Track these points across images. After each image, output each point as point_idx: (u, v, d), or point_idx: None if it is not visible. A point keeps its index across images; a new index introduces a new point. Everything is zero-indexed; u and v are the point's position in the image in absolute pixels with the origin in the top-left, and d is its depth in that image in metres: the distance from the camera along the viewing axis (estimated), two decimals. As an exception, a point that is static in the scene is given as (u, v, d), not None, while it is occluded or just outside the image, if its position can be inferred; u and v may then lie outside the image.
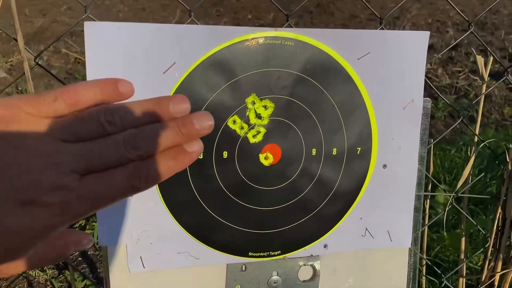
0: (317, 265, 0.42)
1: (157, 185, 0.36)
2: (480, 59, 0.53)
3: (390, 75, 0.40)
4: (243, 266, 0.40)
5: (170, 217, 0.37)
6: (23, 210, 0.21)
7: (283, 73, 0.37)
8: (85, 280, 0.90)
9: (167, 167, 0.23)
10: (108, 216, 0.36)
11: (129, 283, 0.38)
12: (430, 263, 0.59)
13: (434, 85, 1.97)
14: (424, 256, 0.62)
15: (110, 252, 0.37)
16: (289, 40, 0.37)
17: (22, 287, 0.95)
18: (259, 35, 0.36)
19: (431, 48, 2.27)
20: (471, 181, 0.59)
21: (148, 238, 0.37)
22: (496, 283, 0.59)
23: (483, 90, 0.57)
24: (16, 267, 0.23)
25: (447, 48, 0.59)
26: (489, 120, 1.73)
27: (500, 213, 0.57)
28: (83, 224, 1.06)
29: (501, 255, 0.57)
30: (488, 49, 0.56)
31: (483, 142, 0.57)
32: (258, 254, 0.40)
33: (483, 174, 0.74)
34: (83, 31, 0.32)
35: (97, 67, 0.33)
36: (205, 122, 0.24)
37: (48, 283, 0.95)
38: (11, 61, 2.27)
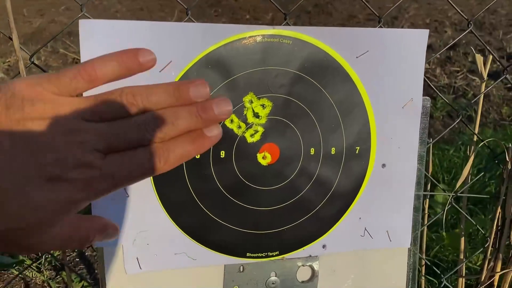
0: (315, 265, 0.42)
1: (153, 185, 0.36)
2: (479, 58, 0.53)
3: (389, 73, 0.40)
4: (241, 267, 0.40)
5: (167, 217, 0.37)
6: (48, 186, 0.21)
7: (281, 71, 0.37)
8: (82, 282, 0.90)
9: (187, 150, 0.24)
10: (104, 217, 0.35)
11: (125, 284, 0.37)
12: (429, 263, 0.59)
13: (433, 85, 1.97)
14: (423, 256, 0.62)
15: (106, 253, 0.37)
16: (287, 39, 0.37)
17: (19, 289, 0.94)
18: (257, 33, 0.36)
19: (429, 48, 2.27)
20: (470, 181, 0.58)
21: (145, 239, 0.37)
22: (495, 283, 0.59)
23: (482, 89, 0.56)
24: (43, 244, 0.23)
25: (446, 47, 0.58)
26: (487, 120, 1.73)
27: (499, 212, 0.57)
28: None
29: (500, 255, 0.57)
30: (487, 48, 0.56)
31: (482, 141, 0.56)
32: (256, 254, 0.40)
33: (482, 173, 0.74)
34: (79, 30, 0.32)
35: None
36: (224, 108, 0.24)
37: (45, 284, 0.94)
38: (8, 61, 2.26)
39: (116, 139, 0.23)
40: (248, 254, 0.40)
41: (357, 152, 0.40)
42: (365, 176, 0.41)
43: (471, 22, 0.52)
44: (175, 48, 0.34)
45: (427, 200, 0.61)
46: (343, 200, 0.41)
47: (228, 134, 0.36)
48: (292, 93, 0.37)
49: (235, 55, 0.35)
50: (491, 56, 0.54)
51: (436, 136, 0.58)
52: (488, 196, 0.92)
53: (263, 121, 0.37)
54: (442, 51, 0.60)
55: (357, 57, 0.39)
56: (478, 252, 0.68)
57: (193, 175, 0.36)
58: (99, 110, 0.23)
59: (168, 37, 0.33)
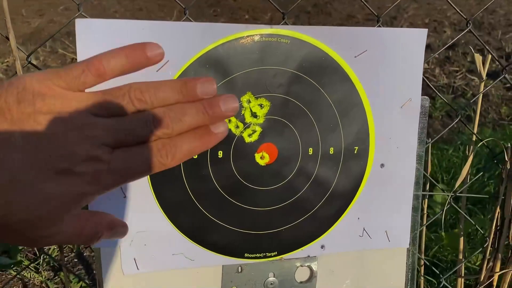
0: (314, 266, 0.42)
1: (151, 185, 0.36)
2: (478, 57, 0.53)
3: (387, 73, 0.40)
4: (239, 268, 0.40)
5: (165, 218, 0.37)
6: (58, 178, 0.22)
7: (279, 71, 0.37)
8: (81, 282, 0.89)
9: (193, 146, 0.24)
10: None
11: (123, 285, 0.37)
12: (428, 263, 0.59)
13: (432, 84, 1.97)
14: (422, 256, 0.62)
15: (103, 254, 0.36)
16: (285, 38, 0.36)
17: (17, 289, 0.94)
18: (254, 32, 0.35)
19: (428, 47, 2.27)
20: (469, 181, 0.58)
21: (142, 240, 0.36)
22: (494, 283, 0.59)
23: (481, 89, 0.56)
24: (51, 237, 0.23)
25: (445, 46, 0.58)
26: (486, 120, 1.73)
27: (498, 212, 0.56)
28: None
29: (499, 255, 0.57)
30: (486, 47, 0.55)
31: (481, 141, 0.56)
32: (254, 255, 0.39)
33: (481, 173, 0.74)
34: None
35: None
36: (230, 104, 0.25)
37: (44, 285, 0.94)
38: (7, 61, 2.26)
39: (124, 134, 0.23)
40: (246, 255, 0.39)
41: (355, 152, 0.40)
42: (363, 176, 0.41)
43: (469, 22, 0.52)
44: (172, 47, 0.33)
45: (426, 200, 0.60)
46: (341, 200, 0.41)
47: (225, 134, 0.36)
48: (290, 93, 0.37)
49: (232, 55, 0.35)
50: (490, 56, 0.54)
51: (435, 136, 0.58)
52: (487, 196, 0.92)
53: (261, 121, 0.37)
54: (441, 51, 0.60)
55: (355, 57, 0.38)
56: (477, 252, 0.68)
57: (191, 175, 0.36)
58: (107, 106, 0.23)
59: (165, 37, 0.33)
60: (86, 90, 0.24)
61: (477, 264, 0.91)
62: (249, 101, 0.36)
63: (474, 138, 0.57)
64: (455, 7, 0.53)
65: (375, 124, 0.40)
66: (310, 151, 0.39)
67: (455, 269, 0.62)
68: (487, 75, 0.57)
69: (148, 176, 0.35)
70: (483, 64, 0.54)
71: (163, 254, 0.37)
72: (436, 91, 0.54)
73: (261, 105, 0.37)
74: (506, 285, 0.59)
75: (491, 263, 0.58)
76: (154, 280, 0.38)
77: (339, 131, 0.39)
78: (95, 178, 0.23)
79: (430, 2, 3.23)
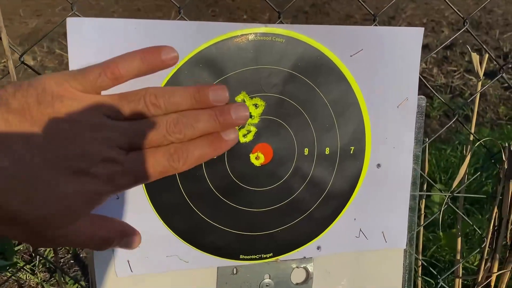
0: (310, 267, 0.41)
1: (144, 187, 0.35)
2: (475, 57, 0.52)
3: (383, 72, 0.39)
4: (234, 269, 0.39)
5: (158, 219, 0.36)
6: (75, 178, 0.22)
7: (273, 70, 0.36)
8: (76, 284, 0.89)
9: (205, 152, 0.25)
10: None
11: (116, 287, 0.37)
12: (426, 264, 0.59)
13: (430, 84, 1.97)
14: (420, 257, 0.62)
15: (96, 255, 0.36)
16: (280, 37, 0.36)
17: (13, 291, 0.93)
18: (249, 31, 0.35)
19: (426, 47, 2.27)
20: (467, 180, 0.58)
21: (136, 241, 0.36)
22: (492, 284, 0.59)
23: (478, 88, 0.56)
24: (66, 237, 0.24)
25: (442, 45, 0.58)
26: (484, 119, 1.73)
27: (496, 212, 0.56)
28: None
29: (497, 255, 0.57)
30: (484, 46, 0.55)
31: (479, 140, 0.56)
32: (250, 256, 0.39)
33: (479, 173, 0.73)
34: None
35: (80, 65, 0.31)
36: (241, 113, 0.26)
37: (39, 286, 0.94)
38: (4, 61, 2.25)
39: (138, 138, 0.24)
40: (241, 256, 0.39)
41: (351, 152, 0.40)
42: (360, 176, 0.40)
43: (466, 21, 0.52)
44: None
45: (423, 200, 0.60)
46: (337, 201, 0.40)
47: (220, 134, 0.36)
48: (285, 93, 0.37)
49: (226, 54, 0.35)
50: (487, 55, 0.54)
51: (433, 136, 0.57)
52: (485, 196, 0.91)
53: (255, 121, 0.37)
54: (438, 50, 0.59)
55: (351, 56, 0.38)
56: (475, 252, 0.67)
57: (185, 176, 0.36)
58: (123, 109, 0.24)
59: (158, 36, 0.33)
60: (102, 93, 0.25)
61: (475, 264, 0.91)
62: (243, 101, 0.36)
63: (471, 137, 0.57)
64: (452, 6, 0.53)
65: (371, 124, 0.40)
66: (306, 151, 0.38)
67: (452, 269, 0.62)
68: (485, 74, 0.57)
69: None
70: (480, 63, 0.54)
71: (157, 256, 0.37)
72: (434, 91, 0.54)
73: (256, 105, 0.36)
74: (504, 286, 0.59)
75: (489, 264, 0.58)
76: (148, 282, 0.37)
77: (335, 131, 0.39)
78: (110, 179, 0.23)
79: (428, 2, 3.23)
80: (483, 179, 1.20)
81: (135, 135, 0.24)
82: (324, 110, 0.38)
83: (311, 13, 3.05)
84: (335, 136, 0.39)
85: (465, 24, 0.52)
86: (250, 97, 0.36)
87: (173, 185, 0.36)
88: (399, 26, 2.70)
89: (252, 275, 0.40)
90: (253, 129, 0.37)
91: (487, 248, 0.57)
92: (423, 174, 0.51)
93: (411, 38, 0.39)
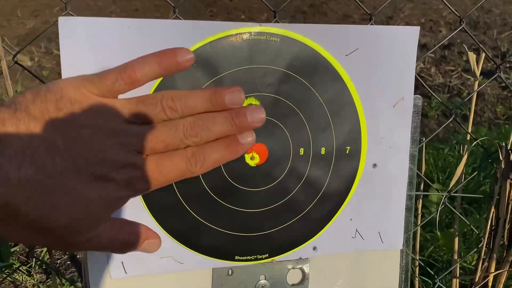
0: (306, 268, 0.41)
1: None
2: (472, 56, 0.52)
3: (379, 71, 0.39)
4: (230, 270, 0.39)
5: (153, 221, 0.36)
6: (96, 184, 0.23)
7: (268, 70, 0.36)
8: (72, 286, 0.88)
9: (222, 155, 0.25)
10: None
11: (111, 289, 0.36)
12: (423, 264, 0.58)
13: (427, 84, 1.97)
14: (417, 257, 0.61)
15: (90, 257, 0.36)
16: (275, 36, 0.36)
17: (9, 292, 0.93)
18: (243, 30, 0.35)
19: (424, 47, 2.27)
20: (464, 180, 0.58)
21: (130, 243, 0.36)
22: (490, 284, 0.58)
23: (475, 87, 0.56)
24: (89, 241, 0.24)
25: (439, 44, 0.58)
26: (482, 119, 1.74)
27: (493, 212, 0.56)
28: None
29: (494, 255, 0.57)
30: (480, 45, 0.55)
31: (476, 140, 0.56)
32: (245, 257, 0.39)
33: (476, 173, 0.73)
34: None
35: (72, 64, 0.31)
36: (257, 115, 0.25)
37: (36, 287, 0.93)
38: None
39: (156, 141, 0.24)
40: (236, 257, 0.39)
41: (347, 152, 0.39)
42: (355, 176, 0.40)
43: (463, 20, 0.52)
44: (159, 46, 0.32)
45: (420, 200, 0.60)
46: (333, 201, 0.40)
47: (214, 134, 0.35)
48: (280, 92, 0.37)
49: (221, 53, 0.34)
50: (483, 54, 0.54)
51: (430, 136, 0.57)
52: (482, 196, 0.91)
53: (250, 120, 0.36)
54: (435, 48, 0.59)
55: (346, 55, 0.38)
56: (473, 252, 0.67)
57: (179, 176, 0.35)
58: (141, 113, 0.24)
59: (151, 35, 0.32)
60: (119, 96, 0.25)
61: (473, 264, 0.91)
62: (238, 101, 0.36)
63: (468, 137, 0.57)
64: (449, 6, 0.53)
65: (367, 124, 0.40)
66: (301, 151, 0.38)
67: (450, 269, 0.62)
68: (483, 74, 0.57)
69: None
70: (477, 62, 0.54)
71: (151, 257, 0.36)
72: (431, 91, 0.53)
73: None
74: (502, 286, 0.58)
75: (486, 263, 0.57)
76: (142, 283, 0.37)
77: (330, 131, 0.39)
78: (130, 183, 0.24)
79: (426, 2, 3.24)
80: (481, 179, 1.20)
81: (153, 140, 0.24)
82: (320, 109, 0.38)
83: (309, 13, 3.05)
84: (331, 136, 0.39)
85: (462, 23, 0.52)
86: (244, 97, 0.36)
87: (167, 186, 0.35)
88: (397, 25, 2.70)
89: (247, 276, 0.40)
90: (248, 129, 0.36)
91: (484, 248, 0.57)
92: (420, 174, 0.51)
93: (407, 37, 0.39)
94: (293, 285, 0.41)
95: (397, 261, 0.44)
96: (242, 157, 0.37)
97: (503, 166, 0.54)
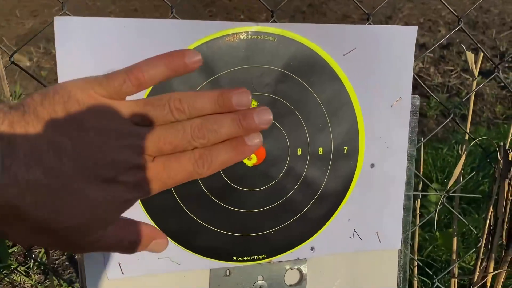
0: (304, 268, 0.41)
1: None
2: (470, 55, 0.52)
3: (377, 71, 0.39)
4: (227, 271, 0.39)
5: (150, 221, 0.36)
6: (104, 186, 0.23)
7: (265, 69, 0.36)
8: (70, 286, 0.88)
9: (229, 157, 0.25)
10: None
11: (108, 290, 0.36)
12: (421, 264, 0.58)
13: (426, 84, 1.97)
14: (416, 257, 0.61)
15: (87, 258, 0.36)
16: (272, 36, 0.36)
17: (7, 293, 0.93)
18: (240, 30, 0.35)
19: (423, 47, 2.27)
20: (463, 180, 0.58)
21: (126, 243, 0.35)
22: (488, 284, 0.58)
23: (474, 87, 0.56)
24: (96, 243, 0.24)
25: (437, 43, 0.58)
26: (481, 119, 1.74)
27: (492, 212, 0.56)
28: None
29: (493, 255, 0.56)
30: (478, 45, 0.55)
31: (474, 140, 0.56)
32: (243, 258, 0.39)
33: (475, 172, 0.73)
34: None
35: (68, 64, 0.31)
36: (264, 117, 0.25)
37: (34, 288, 0.93)
38: (-1, 62, 2.24)
39: (164, 143, 0.24)
40: (234, 258, 0.38)
41: (345, 152, 0.39)
42: (353, 176, 0.40)
43: (461, 19, 0.52)
44: (155, 45, 0.32)
45: (419, 200, 0.60)
46: (331, 201, 0.40)
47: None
48: (278, 92, 0.36)
49: (218, 53, 0.34)
50: (482, 54, 0.54)
51: (429, 135, 0.57)
52: (480, 196, 0.91)
53: (247, 120, 0.36)
54: (434, 49, 0.59)
55: (344, 55, 0.38)
56: (471, 252, 0.67)
57: (176, 177, 0.35)
58: (148, 115, 0.24)
59: (147, 35, 0.32)
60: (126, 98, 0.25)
61: (472, 263, 0.91)
62: (235, 101, 0.35)
63: (467, 137, 0.57)
64: (447, 6, 0.53)
65: (365, 124, 0.39)
66: (299, 151, 0.38)
67: (448, 269, 0.61)
68: (482, 74, 0.56)
69: None
70: (475, 62, 0.54)
71: (148, 258, 0.36)
72: (430, 91, 0.53)
73: None
74: (500, 286, 0.58)
75: (484, 263, 0.57)
76: (139, 284, 0.37)
77: (328, 131, 0.38)
78: (138, 185, 0.24)
79: (425, 2, 3.24)
80: (480, 179, 1.20)
81: (160, 141, 0.24)
82: (317, 109, 0.38)
83: (308, 13, 3.05)
84: (329, 136, 0.39)
85: (460, 22, 0.52)
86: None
87: (164, 186, 0.35)
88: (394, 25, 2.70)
89: (245, 277, 0.39)
90: (245, 129, 0.36)
91: (483, 248, 0.57)
92: (418, 173, 0.51)
93: (404, 36, 0.39)
94: (291, 285, 0.41)
95: (395, 261, 0.44)
96: (239, 157, 0.37)
97: (501, 165, 0.54)
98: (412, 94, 0.41)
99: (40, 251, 1.00)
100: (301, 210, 0.39)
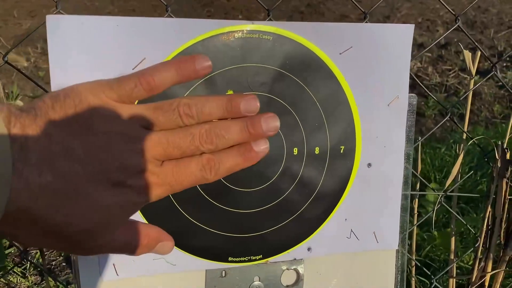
0: (300, 269, 0.41)
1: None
2: (467, 54, 0.52)
3: (373, 70, 0.39)
4: (223, 272, 0.39)
5: (144, 222, 0.35)
6: (113, 190, 0.23)
7: (261, 68, 0.35)
8: (68, 287, 0.88)
9: (235, 162, 0.26)
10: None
11: (102, 292, 0.36)
12: (419, 264, 0.58)
13: (424, 83, 1.97)
14: (414, 257, 0.61)
15: (81, 259, 0.35)
16: (268, 34, 0.35)
17: (4, 295, 0.92)
18: (235, 28, 0.34)
19: (421, 46, 2.27)
20: (461, 179, 0.57)
21: (121, 244, 0.35)
22: (486, 283, 0.58)
23: (471, 86, 0.56)
24: (105, 246, 0.25)
25: (434, 42, 0.57)
26: (479, 118, 1.74)
27: (490, 211, 0.56)
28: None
29: (491, 255, 0.56)
30: (476, 43, 0.55)
31: (472, 139, 0.56)
32: (239, 259, 0.38)
33: (473, 172, 0.73)
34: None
35: (61, 64, 0.31)
36: (271, 124, 0.26)
37: (31, 290, 0.92)
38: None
39: (172, 148, 0.24)
40: (230, 259, 0.38)
41: (341, 151, 0.39)
42: (350, 176, 0.40)
43: (458, 18, 0.51)
44: (149, 44, 0.32)
45: (416, 199, 0.60)
46: (328, 201, 0.40)
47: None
48: (274, 91, 0.36)
49: (213, 52, 0.34)
50: (479, 53, 0.54)
51: (427, 135, 0.57)
52: (478, 195, 0.91)
53: (243, 120, 0.36)
54: (431, 48, 0.59)
55: (340, 53, 0.37)
56: (469, 251, 0.67)
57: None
58: (158, 120, 0.24)
59: (141, 33, 0.32)
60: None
61: (470, 263, 0.91)
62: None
63: (465, 136, 0.56)
64: (445, 4, 0.53)
65: (362, 123, 0.39)
66: (295, 151, 0.38)
67: (446, 269, 0.61)
68: (480, 73, 0.56)
69: None
70: (473, 61, 0.53)
71: (143, 259, 0.36)
72: (428, 90, 0.53)
73: None
74: (498, 285, 0.58)
75: (483, 263, 0.57)
76: (134, 285, 0.36)
77: (324, 130, 0.38)
78: (146, 189, 0.24)
79: (423, 1, 3.24)
80: (478, 178, 1.20)
81: (169, 146, 0.24)
82: (313, 109, 0.38)
83: (306, 13, 3.05)
84: (325, 136, 0.38)
85: (457, 21, 0.52)
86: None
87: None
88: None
89: (241, 278, 0.39)
90: (241, 129, 0.36)
91: (481, 247, 0.57)
92: (416, 173, 0.51)
93: (401, 35, 0.39)
94: (287, 286, 0.41)
95: (392, 261, 0.44)
96: (235, 157, 0.36)
97: (499, 165, 0.54)
98: (409, 93, 0.40)
99: (37, 252, 1.00)
100: (298, 210, 0.39)
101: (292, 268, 0.41)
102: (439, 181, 1.21)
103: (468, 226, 0.61)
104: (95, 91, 0.23)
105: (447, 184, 0.55)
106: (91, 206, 0.23)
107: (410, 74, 0.40)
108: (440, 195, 0.55)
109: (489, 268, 0.56)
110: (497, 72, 0.57)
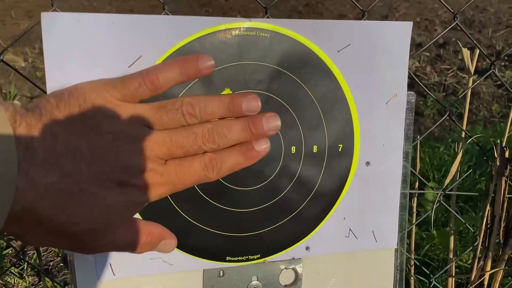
0: (299, 268, 0.40)
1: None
2: (466, 52, 0.52)
3: (372, 68, 0.38)
4: (221, 272, 0.38)
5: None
6: (118, 190, 0.23)
7: (258, 66, 0.35)
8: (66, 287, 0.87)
9: (237, 161, 0.26)
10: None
11: (99, 292, 0.35)
12: (418, 263, 0.58)
13: (423, 83, 1.97)
14: (413, 256, 0.61)
15: (77, 258, 0.35)
16: (265, 32, 0.35)
17: (1, 296, 0.92)
18: (232, 26, 0.34)
19: (419, 46, 2.27)
20: (459, 178, 0.57)
21: (117, 244, 0.35)
22: (485, 283, 0.58)
23: (470, 84, 0.55)
24: (109, 244, 0.25)
25: (432, 40, 0.57)
26: (477, 117, 1.74)
27: (489, 210, 0.56)
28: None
29: (490, 254, 0.56)
30: (474, 42, 0.55)
31: (470, 137, 0.55)
32: (236, 258, 0.38)
33: (471, 170, 0.73)
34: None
35: (56, 62, 0.30)
36: (272, 124, 0.26)
37: (28, 291, 0.92)
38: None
39: (176, 147, 0.24)
40: (228, 258, 0.38)
41: (340, 150, 0.39)
42: (348, 174, 0.39)
43: (457, 16, 0.51)
44: (145, 42, 0.32)
45: (415, 198, 0.59)
46: (326, 200, 0.39)
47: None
48: (271, 89, 0.36)
49: (209, 49, 0.33)
50: (478, 51, 0.53)
51: (425, 133, 0.57)
52: (477, 194, 0.91)
53: (240, 118, 0.35)
54: (429, 47, 0.59)
55: (338, 51, 0.37)
56: (468, 250, 0.67)
57: (168, 176, 0.35)
58: (162, 119, 0.24)
59: (137, 31, 0.32)
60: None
61: (469, 262, 0.90)
62: (227, 98, 0.35)
63: (463, 134, 0.56)
64: (443, 3, 0.52)
65: (360, 121, 0.39)
66: (293, 149, 0.37)
67: (445, 268, 0.61)
68: (478, 73, 0.56)
69: None
70: (471, 59, 0.53)
71: (140, 259, 0.36)
72: (427, 89, 0.53)
73: None
74: (497, 284, 0.58)
75: (482, 262, 0.57)
76: (131, 285, 0.36)
77: (322, 129, 0.38)
78: (150, 188, 0.24)
79: (421, 1, 3.24)
80: (477, 177, 1.20)
81: (172, 146, 0.24)
82: (311, 107, 0.37)
83: (304, 12, 3.05)
84: (323, 134, 0.38)
85: (455, 19, 0.52)
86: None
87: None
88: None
89: (239, 277, 0.39)
90: (238, 127, 0.36)
91: (480, 246, 0.57)
92: (414, 171, 0.50)
93: (399, 32, 0.39)
94: (286, 285, 0.41)
95: (391, 260, 0.43)
96: (233, 156, 0.36)
97: (498, 163, 0.54)
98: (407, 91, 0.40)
99: (34, 253, 0.99)
100: (296, 209, 0.39)
101: (291, 267, 0.40)
102: (438, 180, 1.21)
103: (467, 225, 0.61)
104: (99, 91, 0.23)
105: (446, 183, 0.55)
106: (96, 205, 0.23)
107: (408, 73, 0.40)
108: (439, 194, 0.55)
109: (488, 267, 0.56)
110: (495, 70, 0.57)
